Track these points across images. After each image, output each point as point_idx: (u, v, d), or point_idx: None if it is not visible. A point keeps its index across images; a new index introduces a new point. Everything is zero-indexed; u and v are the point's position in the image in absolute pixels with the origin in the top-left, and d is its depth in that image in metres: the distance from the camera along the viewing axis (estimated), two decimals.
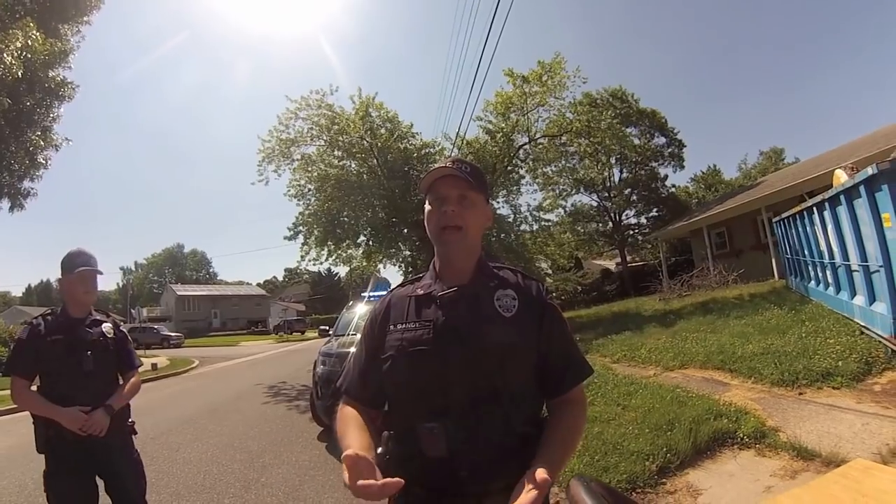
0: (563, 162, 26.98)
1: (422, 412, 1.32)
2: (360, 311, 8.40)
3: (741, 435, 4.56)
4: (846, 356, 6.09)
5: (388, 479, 1.06)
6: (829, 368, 5.86)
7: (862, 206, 6.19)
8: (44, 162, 16.67)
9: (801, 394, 5.56)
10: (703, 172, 44.00)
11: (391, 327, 1.47)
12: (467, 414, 1.30)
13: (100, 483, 2.78)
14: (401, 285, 1.65)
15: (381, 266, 21.14)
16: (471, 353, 1.34)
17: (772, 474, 3.81)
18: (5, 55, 12.47)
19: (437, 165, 1.52)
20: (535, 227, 20.77)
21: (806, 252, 10.02)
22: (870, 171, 5.67)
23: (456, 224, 1.45)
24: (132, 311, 47.10)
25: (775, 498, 3.26)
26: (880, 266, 5.90)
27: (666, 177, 33.90)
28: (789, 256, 12.10)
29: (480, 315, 1.40)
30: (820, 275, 9.35)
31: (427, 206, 1.52)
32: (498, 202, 20.17)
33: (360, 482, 1.04)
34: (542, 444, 1.28)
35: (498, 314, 1.41)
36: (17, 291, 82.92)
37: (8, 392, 2.73)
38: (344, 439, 1.33)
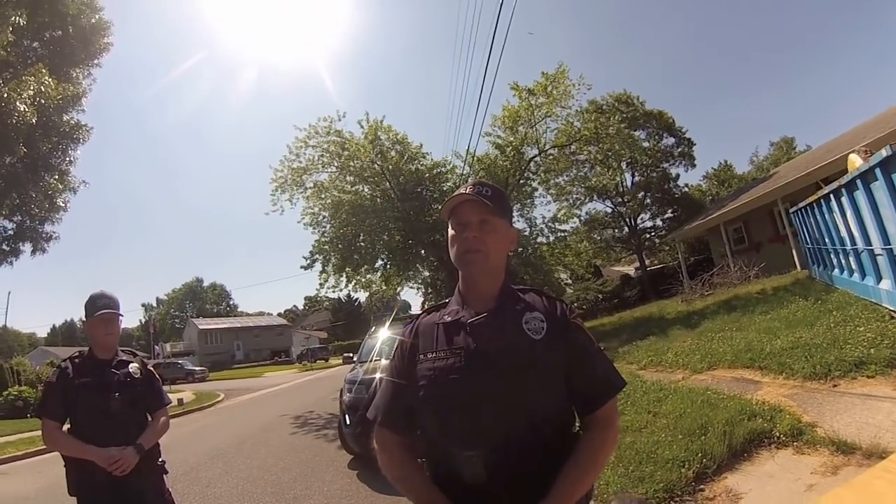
0: (575, 171, 27.09)
1: (459, 439, 1.33)
2: (382, 336, 8.36)
3: (777, 434, 4.45)
4: (878, 343, 5.93)
5: None
6: (861, 357, 5.70)
7: (880, 188, 6.09)
8: (63, 205, 17.18)
9: (835, 386, 5.43)
10: (714, 169, 43.79)
11: (421, 356, 1.47)
12: (505, 439, 1.30)
13: None
14: (426, 312, 1.64)
15: (399, 289, 21.20)
16: (505, 379, 1.34)
17: (812, 472, 3.71)
18: (18, 103, 12.83)
19: (458, 191, 1.52)
20: (552, 238, 20.70)
21: (826, 240, 9.85)
22: (884, 153, 5.58)
23: (477, 248, 1.45)
24: (156, 347, 47.68)
25: (817, 499, 3.17)
26: None
27: (678, 176, 33.77)
28: (810, 246, 11.90)
29: (511, 340, 1.40)
30: (843, 262, 9.18)
31: (450, 231, 1.52)
32: (513, 216, 20.14)
33: None
34: (560, 473, 1.30)
35: (528, 337, 1.41)
36: (43, 332, 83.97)
37: (38, 433, 2.78)
38: (411, 482, 1.41)
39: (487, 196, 1.47)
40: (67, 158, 17.15)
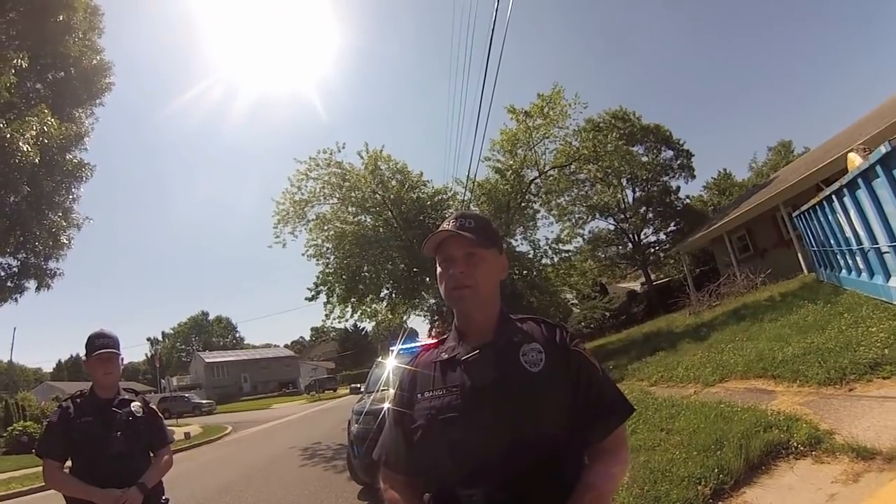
0: (576, 190, 27.16)
1: (458, 478, 1.29)
2: (389, 366, 8.31)
3: (795, 444, 4.31)
4: (892, 343, 5.78)
5: None
6: (875, 358, 5.53)
7: (882, 185, 6.05)
8: (67, 242, 17.38)
9: (850, 390, 5.28)
10: (714, 179, 43.81)
11: (419, 396, 1.44)
12: (507, 477, 1.25)
13: None
14: (425, 349, 1.62)
15: (405, 317, 21.12)
16: (502, 415, 1.30)
17: (833, 481, 3.58)
18: (21, 143, 13.05)
19: (441, 226, 1.49)
20: (556, 259, 20.59)
21: (832, 241, 9.77)
22: (883, 149, 5.56)
23: (466, 284, 1.41)
24: (162, 380, 47.55)
25: None
26: None
27: (678, 189, 33.92)
28: (815, 248, 11.82)
29: (507, 374, 1.36)
30: (850, 262, 9.09)
31: (438, 268, 1.49)
32: (516, 240, 20.19)
33: None
34: None
35: (525, 370, 1.37)
36: (48, 367, 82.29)
37: (41, 469, 2.77)
38: None
39: (470, 228, 1.44)
40: (71, 196, 17.45)
